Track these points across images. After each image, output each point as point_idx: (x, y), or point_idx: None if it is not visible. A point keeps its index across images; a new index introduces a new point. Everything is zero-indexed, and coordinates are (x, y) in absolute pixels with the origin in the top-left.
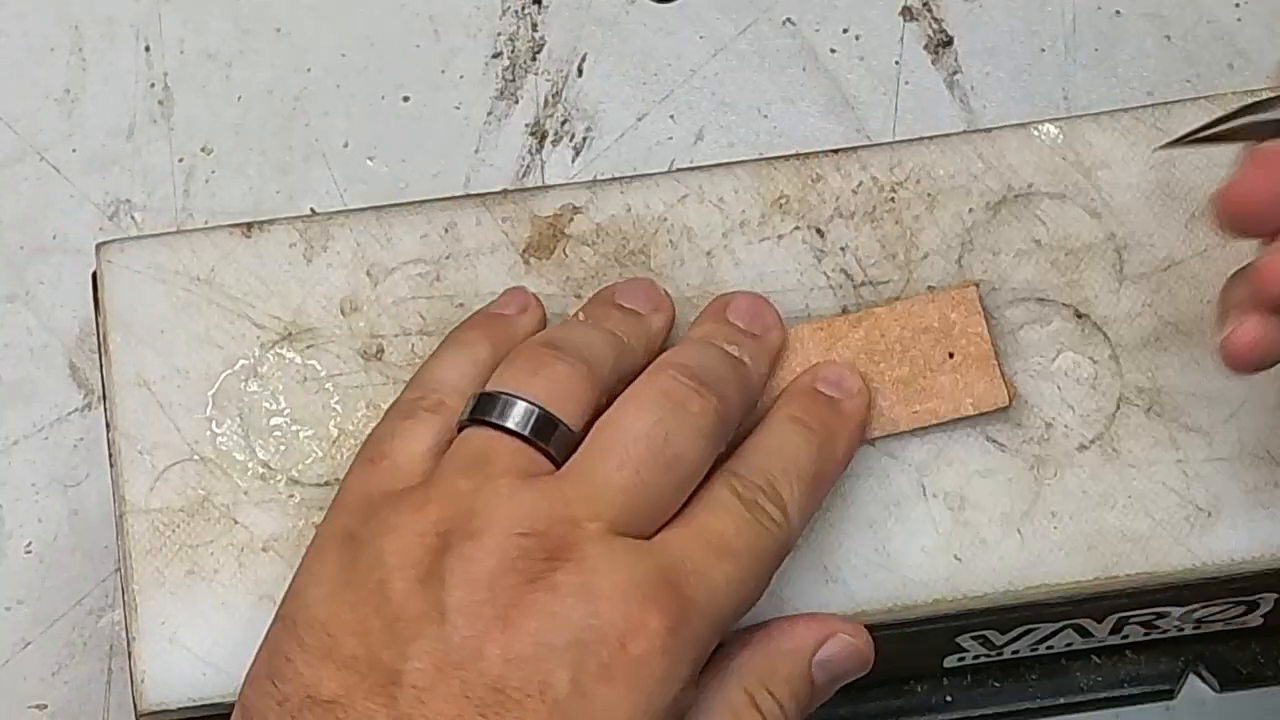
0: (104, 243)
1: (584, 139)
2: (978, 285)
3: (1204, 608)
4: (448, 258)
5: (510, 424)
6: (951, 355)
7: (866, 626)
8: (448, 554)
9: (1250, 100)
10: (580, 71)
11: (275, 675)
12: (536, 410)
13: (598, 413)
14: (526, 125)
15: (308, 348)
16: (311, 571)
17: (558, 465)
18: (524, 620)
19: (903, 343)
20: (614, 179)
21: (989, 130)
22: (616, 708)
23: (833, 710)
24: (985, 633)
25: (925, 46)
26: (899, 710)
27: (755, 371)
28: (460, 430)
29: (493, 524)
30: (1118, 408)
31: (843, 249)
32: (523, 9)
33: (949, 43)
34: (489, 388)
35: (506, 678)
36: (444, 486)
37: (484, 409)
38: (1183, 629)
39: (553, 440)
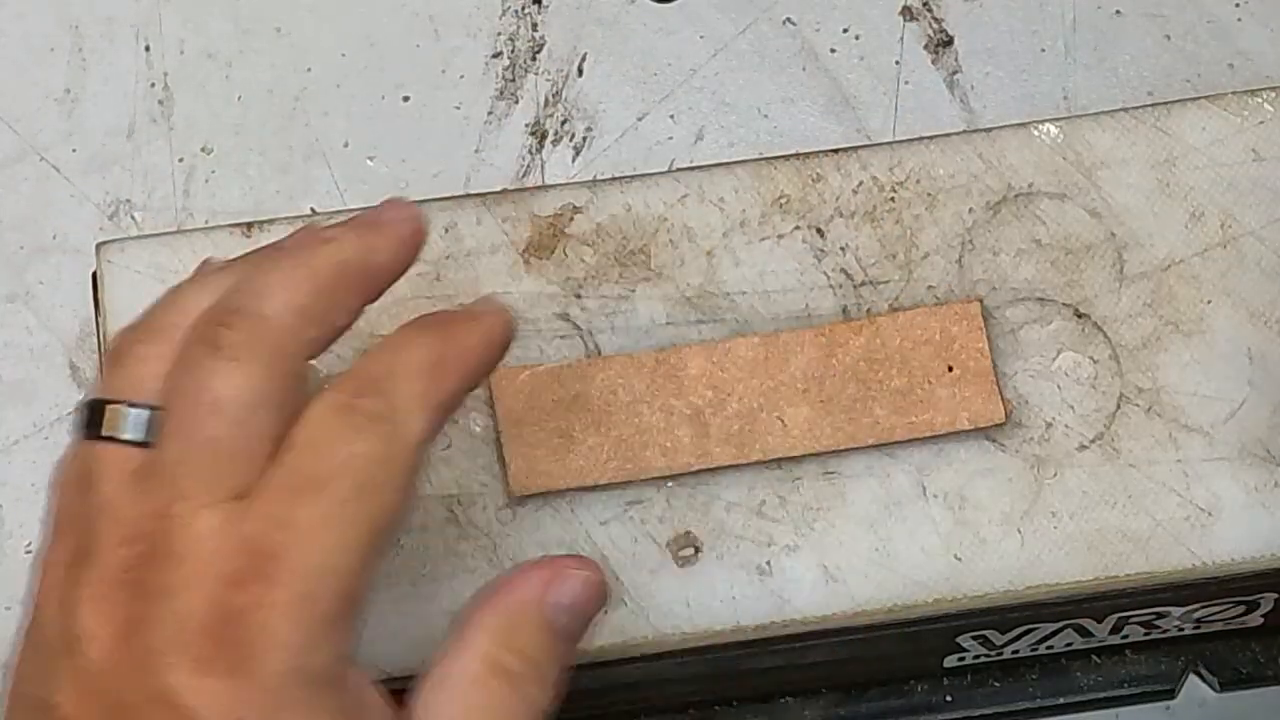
0: (104, 243)
1: (584, 139)
2: (982, 301)
3: (1204, 608)
4: (448, 258)
5: (95, 430)
6: (951, 369)
7: (866, 626)
8: (75, 581)
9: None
10: (580, 71)
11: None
12: (115, 407)
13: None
14: (526, 125)
15: None
16: None
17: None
18: (133, 633)
19: (903, 353)
20: (614, 179)
21: (989, 130)
22: (234, 693)
23: (832, 710)
24: (985, 633)
25: (925, 46)
26: (899, 710)
27: (363, 242)
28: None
29: (99, 541)
30: (1118, 407)
31: (843, 249)
32: (523, 9)
33: (949, 43)
34: (89, 394)
35: (126, 692)
36: (67, 512)
37: (87, 423)
38: (1183, 629)
39: (144, 428)
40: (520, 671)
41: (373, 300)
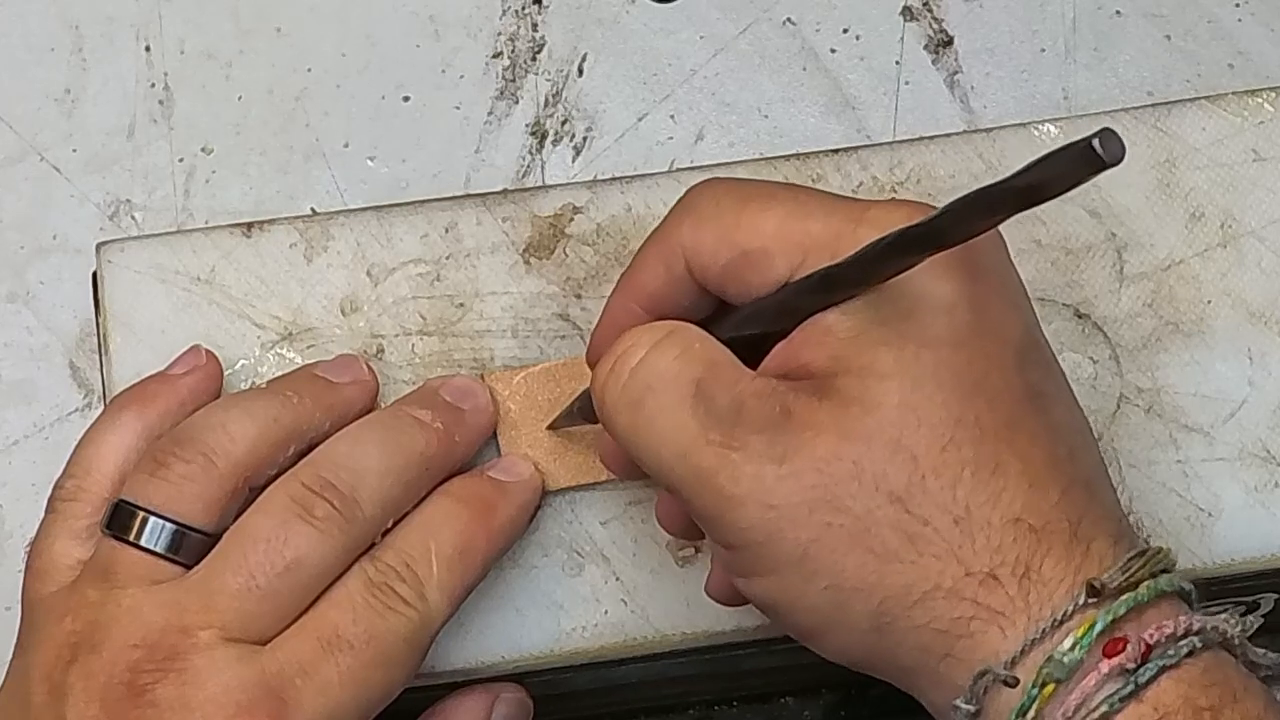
0: (104, 243)
1: (584, 139)
2: None
3: (1204, 608)
4: (448, 258)
5: (134, 539)
6: None
7: None
8: (72, 667)
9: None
10: (580, 71)
11: None
12: (162, 522)
13: (242, 496)
14: (527, 125)
15: (308, 348)
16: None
17: (189, 568)
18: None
19: None
20: (614, 179)
21: (989, 130)
22: None
23: (832, 710)
24: None
25: (925, 46)
26: (899, 710)
27: (449, 437)
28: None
29: (111, 637)
30: (1118, 408)
31: None
32: (523, 9)
33: (949, 43)
34: (121, 495)
35: None
36: (78, 597)
37: (116, 523)
38: None
39: (181, 549)
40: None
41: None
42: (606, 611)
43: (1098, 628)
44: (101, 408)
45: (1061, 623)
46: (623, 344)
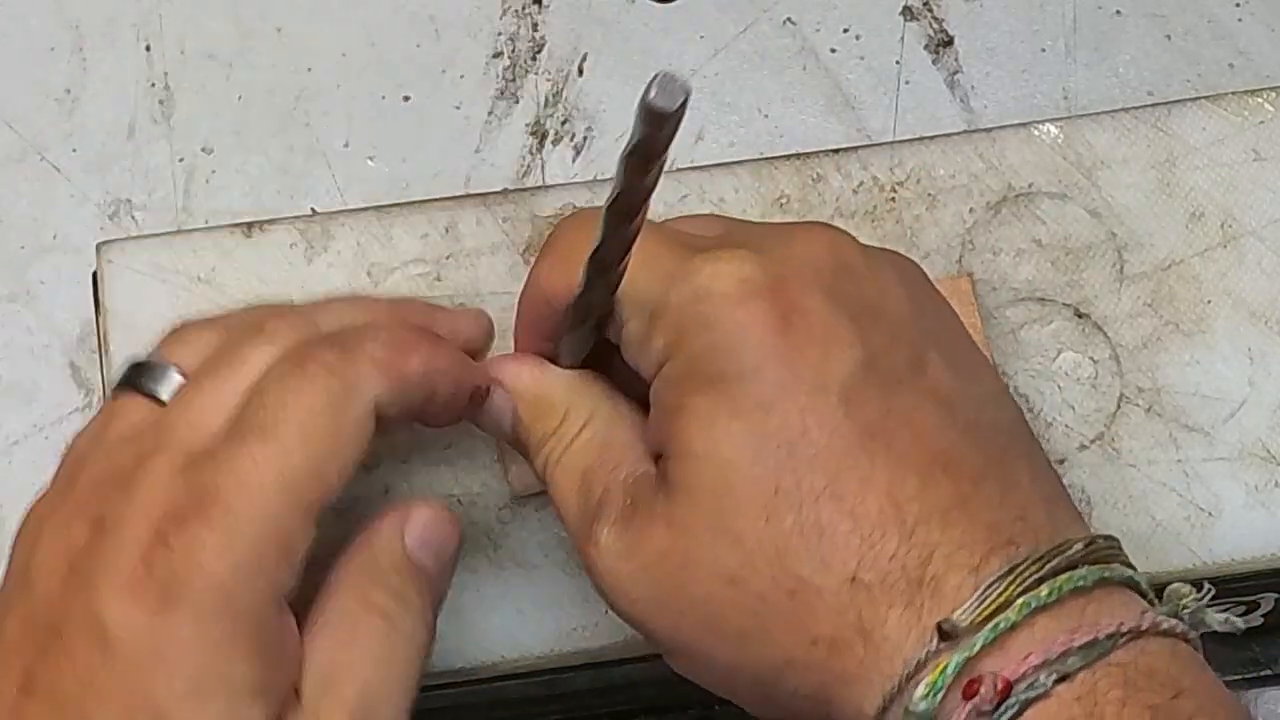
0: (104, 242)
1: (584, 139)
2: (972, 275)
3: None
4: (448, 258)
5: (140, 385)
6: None
7: None
8: (44, 524)
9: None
10: (581, 71)
11: None
12: (154, 365)
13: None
14: (527, 125)
15: None
16: None
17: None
18: (78, 567)
19: None
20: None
21: (989, 130)
22: (157, 624)
23: None
24: None
25: (925, 46)
26: None
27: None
28: None
29: (78, 482)
30: (1118, 407)
31: None
32: (523, 9)
33: (949, 43)
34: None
35: (59, 617)
36: (73, 450)
37: (121, 378)
38: None
39: (172, 389)
40: (388, 609)
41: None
42: (606, 611)
43: (949, 671)
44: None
45: (915, 673)
46: (554, 416)
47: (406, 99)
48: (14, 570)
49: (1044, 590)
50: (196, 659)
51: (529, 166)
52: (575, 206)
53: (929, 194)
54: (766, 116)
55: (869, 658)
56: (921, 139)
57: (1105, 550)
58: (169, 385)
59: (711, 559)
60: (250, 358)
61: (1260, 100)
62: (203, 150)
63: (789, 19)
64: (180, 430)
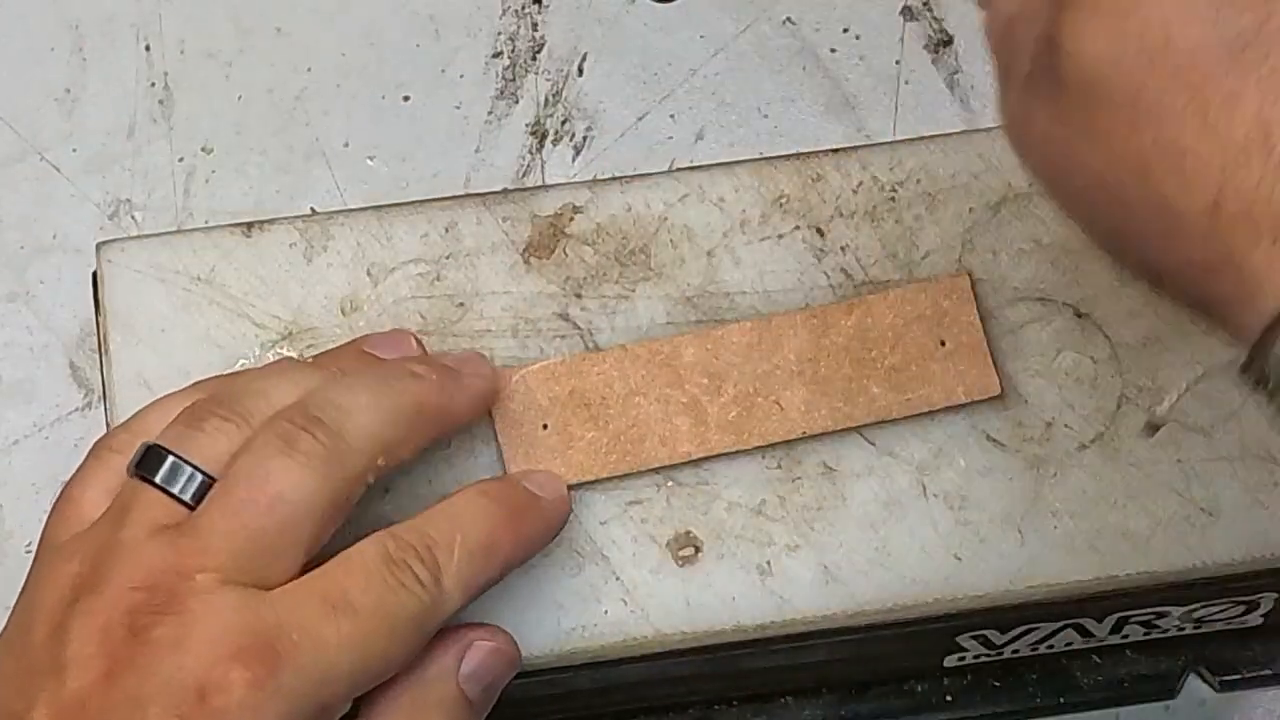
0: (104, 242)
1: (584, 138)
2: (970, 273)
3: (1204, 608)
4: (448, 257)
5: (158, 480)
6: (944, 343)
7: (866, 625)
8: (75, 606)
9: None
10: (580, 71)
11: None
12: (188, 468)
13: None
14: (527, 125)
15: (308, 347)
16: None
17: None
18: (124, 674)
19: (895, 330)
20: (614, 178)
21: (989, 130)
22: None
23: (832, 710)
24: (985, 632)
25: (925, 46)
26: (899, 710)
27: (444, 390)
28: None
29: (113, 577)
30: (1118, 407)
31: (843, 248)
32: (523, 8)
33: (949, 42)
34: (155, 440)
35: None
36: (90, 537)
37: (144, 464)
38: (1183, 629)
39: (193, 491)
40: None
41: (435, 440)
42: (606, 611)
43: None
44: (101, 407)
45: None
46: None
47: (406, 99)
48: (35, 650)
49: None
50: None
51: (529, 166)
52: (575, 206)
53: (929, 194)
54: (766, 116)
55: (1242, 292)
56: (921, 139)
57: None
58: (200, 493)
59: (1084, 155)
60: (284, 479)
61: None
62: (203, 150)
63: (789, 19)
64: (231, 555)
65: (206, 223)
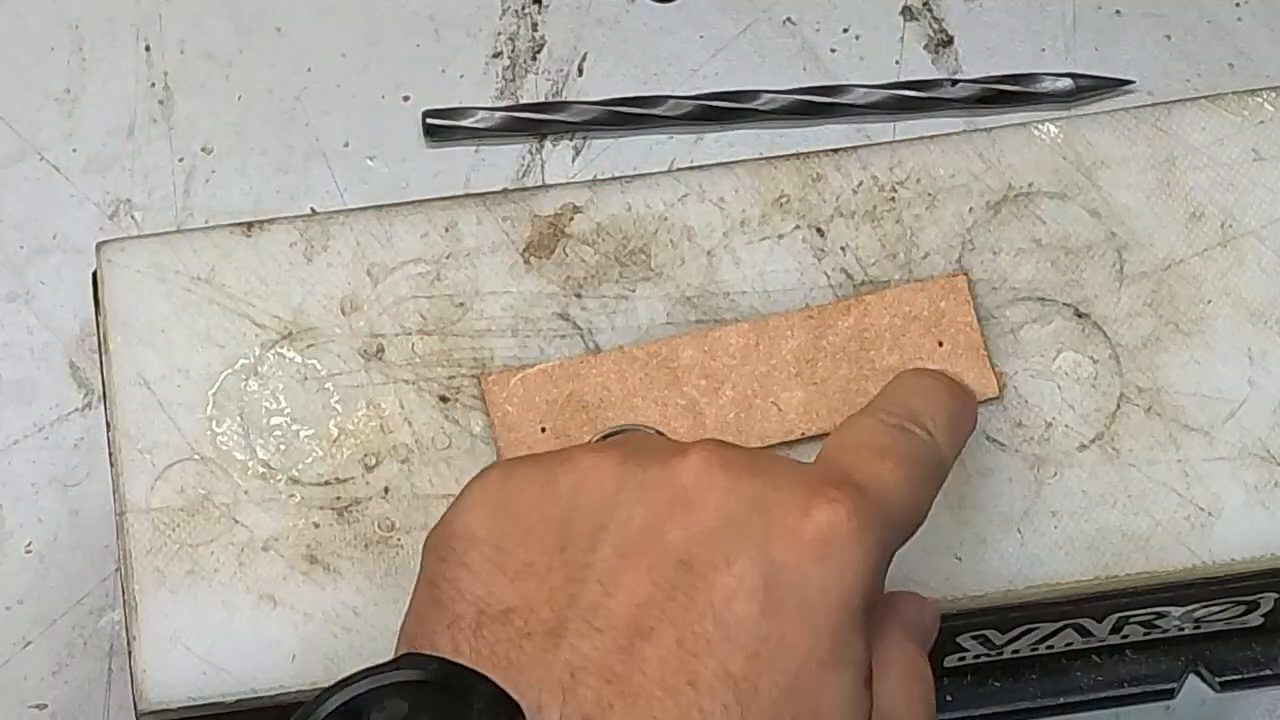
0: (104, 242)
1: (584, 139)
2: (967, 274)
3: (1204, 608)
4: (448, 257)
5: None
6: (941, 344)
7: None
8: (626, 453)
9: None
10: (580, 71)
11: (438, 602)
12: None
13: None
14: None
15: (308, 347)
16: (460, 505)
17: None
18: (704, 496)
19: (893, 331)
20: (614, 178)
21: (989, 130)
22: (808, 576)
23: None
24: (985, 632)
25: (925, 46)
26: None
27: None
28: None
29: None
30: (1118, 407)
31: (843, 248)
32: (523, 9)
33: (949, 43)
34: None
35: (692, 554)
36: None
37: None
38: (1183, 629)
39: None
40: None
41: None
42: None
43: None
44: (101, 407)
45: None
46: None
47: (406, 99)
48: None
49: None
50: (830, 638)
51: (529, 166)
52: (575, 206)
53: (929, 194)
54: None
55: None
56: (921, 139)
57: None
58: None
59: None
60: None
61: (1260, 100)
62: (203, 150)
63: (789, 19)
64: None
65: (206, 223)
